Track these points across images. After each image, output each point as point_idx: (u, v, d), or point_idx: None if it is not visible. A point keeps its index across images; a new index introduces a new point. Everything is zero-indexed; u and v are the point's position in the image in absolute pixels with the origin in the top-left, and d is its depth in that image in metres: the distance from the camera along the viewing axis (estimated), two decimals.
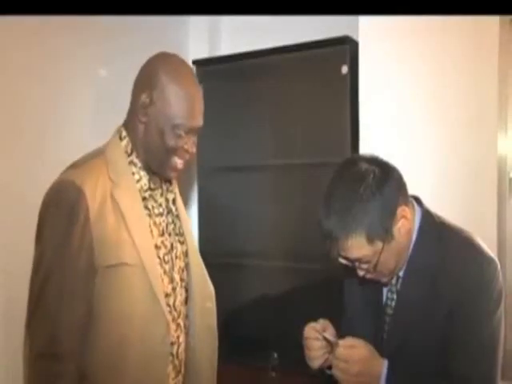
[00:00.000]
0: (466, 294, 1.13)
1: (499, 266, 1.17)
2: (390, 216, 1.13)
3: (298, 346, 2.19)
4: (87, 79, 2.08)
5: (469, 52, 1.83)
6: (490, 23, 1.79)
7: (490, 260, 1.15)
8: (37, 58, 1.87)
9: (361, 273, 1.19)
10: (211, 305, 1.43)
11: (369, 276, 1.20)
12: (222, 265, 2.46)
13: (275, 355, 2.18)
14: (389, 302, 1.26)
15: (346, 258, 1.17)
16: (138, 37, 2.23)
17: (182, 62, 1.31)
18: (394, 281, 1.25)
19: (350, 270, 1.22)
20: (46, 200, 1.22)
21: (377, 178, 1.13)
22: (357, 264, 1.17)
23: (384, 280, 1.22)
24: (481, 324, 1.13)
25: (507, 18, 1.85)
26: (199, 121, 1.28)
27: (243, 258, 2.41)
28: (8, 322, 1.77)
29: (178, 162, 1.28)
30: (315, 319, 2.11)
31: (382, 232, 1.13)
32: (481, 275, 1.13)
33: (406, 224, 1.16)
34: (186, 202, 2.42)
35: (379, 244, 1.13)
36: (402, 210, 1.15)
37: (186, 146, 1.26)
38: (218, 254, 2.44)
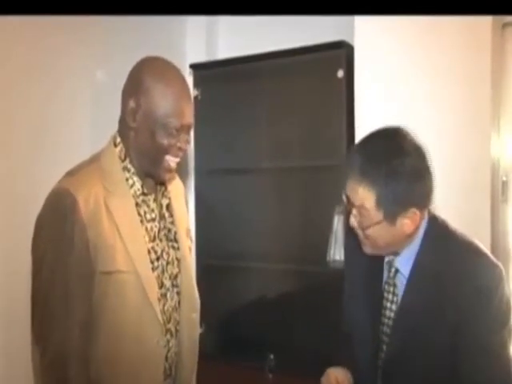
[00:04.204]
0: (472, 300, 1.13)
1: (504, 272, 1.17)
2: (402, 206, 1.15)
3: (294, 348, 2.22)
4: (85, 79, 2.10)
5: (462, 56, 1.85)
6: (483, 28, 1.81)
7: (495, 266, 1.17)
8: (35, 57, 1.89)
9: (352, 220, 1.21)
10: (196, 315, 1.44)
11: (358, 232, 1.22)
12: (220, 267, 2.47)
13: (272, 357, 2.20)
14: (385, 295, 1.27)
15: (348, 199, 1.20)
16: (136, 40, 2.24)
17: (167, 64, 1.32)
18: (391, 274, 1.26)
19: (352, 238, 1.26)
20: (42, 208, 1.25)
21: (422, 166, 1.16)
22: (354, 211, 1.20)
23: (368, 250, 1.24)
24: (489, 331, 1.13)
25: (499, 22, 1.88)
26: (189, 118, 1.29)
27: (240, 260, 2.43)
28: (8, 323, 1.78)
29: (172, 161, 1.29)
30: (312, 321, 2.13)
31: (390, 209, 1.15)
32: (487, 281, 1.14)
33: (409, 226, 1.17)
34: None
35: (381, 214, 1.15)
36: (413, 213, 1.16)
37: (178, 144, 1.28)
38: (216, 256, 2.45)
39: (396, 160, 1.14)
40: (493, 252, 1.79)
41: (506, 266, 1.86)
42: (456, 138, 1.87)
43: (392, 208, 1.15)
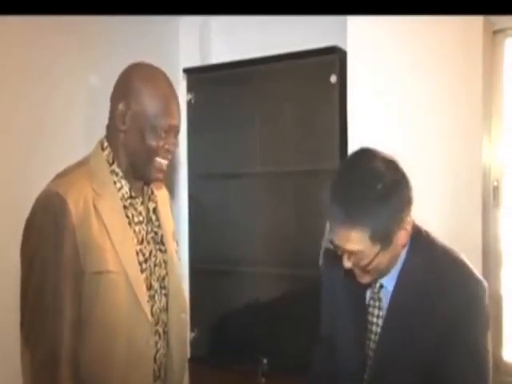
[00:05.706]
0: (459, 316, 1.13)
1: (485, 285, 1.18)
2: (396, 222, 1.13)
3: (287, 352, 2.22)
4: (82, 80, 2.11)
5: (455, 62, 1.87)
6: (475, 34, 1.84)
7: (479, 279, 1.17)
8: (33, 58, 1.89)
9: (347, 264, 1.16)
10: (185, 316, 1.46)
11: (355, 269, 1.18)
12: (213, 271, 2.47)
13: (265, 361, 2.20)
14: (371, 310, 1.25)
15: (337, 247, 1.15)
16: (131, 44, 2.25)
17: (155, 69, 1.36)
18: (375, 289, 1.24)
19: (335, 258, 1.19)
20: (32, 210, 1.26)
21: (395, 181, 1.12)
22: (346, 255, 1.15)
23: (365, 280, 1.20)
24: (476, 346, 1.14)
25: (490, 29, 1.91)
26: (177, 119, 1.32)
27: (234, 264, 2.43)
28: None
29: (162, 163, 1.32)
30: (305, 324, 2.13)
31: (385, 235, 1.11)
32: (473, 298, 1.15)
33: (405, 236, 1.16)
34: (177, 209, 2.43)
35: (378, 246, 1.12)
36: (407, 222, 1.14)
37: (167, 146, 1.30)
38: (209, 260, 2.45)
39: (377, 187, 1.09)
40: (484, 256, 1.81)
41: (497, 270, 1.89)
42: (448, 144, 1.89)
43: (387, 234, 1.12)
